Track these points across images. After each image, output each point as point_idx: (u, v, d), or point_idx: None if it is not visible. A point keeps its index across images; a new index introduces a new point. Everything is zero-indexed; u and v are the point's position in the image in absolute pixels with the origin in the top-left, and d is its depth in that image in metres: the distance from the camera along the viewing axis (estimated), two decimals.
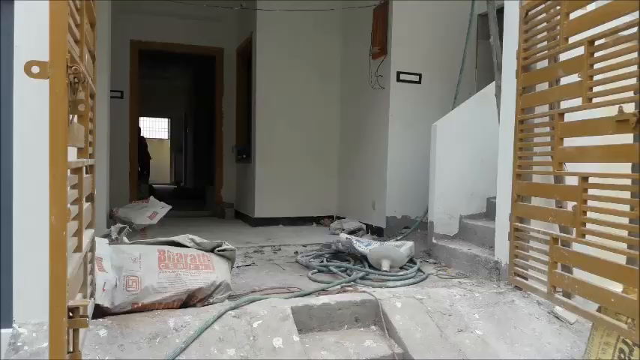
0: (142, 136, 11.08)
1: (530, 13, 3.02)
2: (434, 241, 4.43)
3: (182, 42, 7.41)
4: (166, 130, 18.43)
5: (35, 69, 1.33)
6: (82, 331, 1.69)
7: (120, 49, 6.62)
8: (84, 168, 1.98)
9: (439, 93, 5.47)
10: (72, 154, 1.90)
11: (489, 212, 4.37)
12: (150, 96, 11.81)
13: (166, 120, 17.83)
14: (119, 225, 3.77)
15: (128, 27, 6.83)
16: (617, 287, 2.35)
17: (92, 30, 2.23)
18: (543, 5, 2.91)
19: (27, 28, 1.87)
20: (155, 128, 18.45)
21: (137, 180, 7.69)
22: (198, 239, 3.02)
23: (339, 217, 6.47)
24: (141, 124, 10.47)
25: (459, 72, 5.32)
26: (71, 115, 1.51)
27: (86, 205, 2.15)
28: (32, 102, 1.78)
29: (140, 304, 2.61)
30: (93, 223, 2.47)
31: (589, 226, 2.51)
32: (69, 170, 1.55)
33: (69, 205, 1.60)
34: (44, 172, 1.45)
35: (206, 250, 2.97)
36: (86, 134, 2.01)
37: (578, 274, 2.67)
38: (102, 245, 2.76)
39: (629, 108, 2.23)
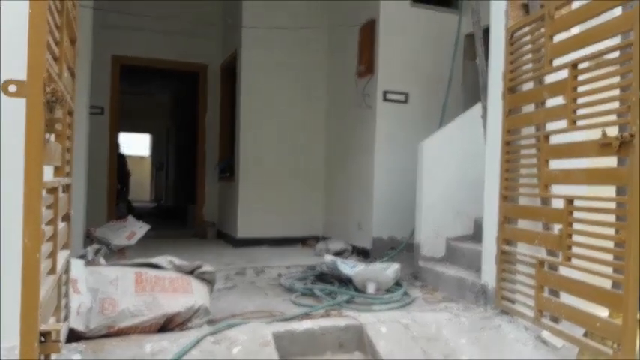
0: (121, 154, 11.03)
1: (515, 35, 3.11)
2: (420, 263, 4.46)
3: (165, 57, 7.44)
4: (147, 146, 18.36)
5: (12, 88, 1.34)
6: (54, 356, 1.68)
7: (101, 64, 6.61)
8: (60, 187, 1.98)
9: (426, 112, 5.55)
10: (48, 173, 1.90)
11: (477, 234, 4.41)
12: (131, 111, 11.79)
13: (147, 136, 17.76)
14: (96, 245, 3.76)
15: (110, 42, 6.84)
16: (603, 311, 2.39)
17: (72, 47, 2.25)
18: (528, 28, 2.99)
19: (5, 44, 1.88)
20: (136, 144, 18.36)
21: (116, 198, 7.64)
22: (177, 261, 3.01)
23: (324, 238, 6.47)
24: (121, 140, 10.45)
25: (446, 92, 5.42)
26: (48, 134, 1.53)
27: (62, 225, 2.15)
28: (8, 120, 1.79)
29: (116, 328, 2.59)
30: (68, 243, 2.46)
31: (575, 249, 2.56)
32: (44, 190, 1.56)
33: (43, 226, 1.60)
34: (19, 191, 1.45)
35: (185, 273, 2.97)
36: (63, 153, 2.02)
37: (565, 297, 2.71)
38: (77, 266, 2.75)
39: (613, 131, 2.30)
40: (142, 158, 18.30)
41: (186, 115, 10.31)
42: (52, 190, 1.83)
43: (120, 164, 9.12)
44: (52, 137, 1.75)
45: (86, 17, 4.72)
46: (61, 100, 1.57)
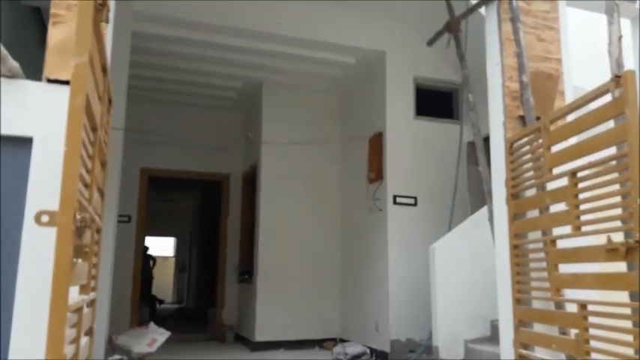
0: (149, 255, 11.02)
1: (514, 145, 3.15)
2: None
3: (190, 169, 7.67)
4: (171, 248, 18.37)
5: (45, 218, 1.37)
6: None
7: (129, 176, 6.78)
8: (84, 305, 1.96)
9: (435, 215, 5.54)
10: (73, 292, 1.89)
11: (494, 335, 4.21)
12: (156, 217, 11.95)
13: (172, 239, 17.85)
14: (116, 356, 3.63)
15: (139, 156, 7.06)
16: None
17: (102, 169, 2.32)
18: (526, 138, 3.04)
19: (39, 176, 1.96)
20: (160, 245, 18.39)
21: (139, 300, 7.50)
22: None
23: (342, 340, 6.22)
24: (148, 242, 10.50)
25: (453, 195, 5.44)
26: (75, 259, 1.53)
27: (84, 340, 2.09)
28: (38, 246, 1.82)
29: None
30: (89, 357, 2.38)
31: (594, 355, 2.41)
32: (69, 312, 1.53)
33: (66, 347, 1.56)
34: (44, 314, 1.43)
35: None
36: (89, 270, 2.01)
37: None
38: None
39: (619, 236, 2.24)
40: (166, 259, 18.24)
41: (208, 220, 10.41)
42: (77, 310, 1.80)
43: (145, 265, 9.08)
44: (80, 259, 1.75)
45: (117, 136, 4.93)
46: (90, 224, 1.59)
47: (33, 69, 2.33)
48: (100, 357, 4.07)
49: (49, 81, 2.23)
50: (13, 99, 2.10)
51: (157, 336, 4.56)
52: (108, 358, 3.62)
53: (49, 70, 2.24)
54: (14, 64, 2.09)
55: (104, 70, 2.20)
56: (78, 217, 1.41)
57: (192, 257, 14.24)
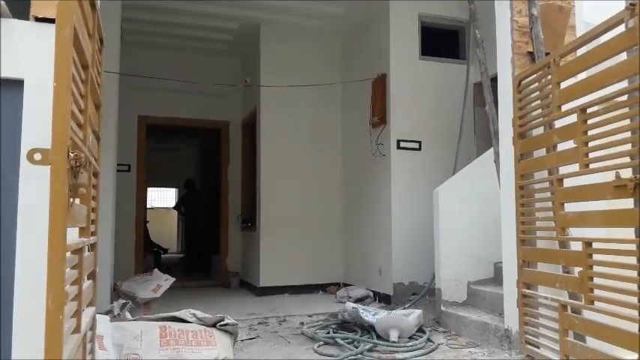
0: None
1: (522, 82, 3.10)
2: (442, 308, 4.33)
3: (189, 116, 7.60)
4: (173, 198, 18.50)
5: (37, 156, 1.36)
6: None
7: (127, 124, 6.75)
8: (85, 247, 1.98)
9: (439, 159, 5.53)
10: (73, 234, 1.90)
11: (497, 277, 4.29)
12: (157, 167, 11.95)
13: (173, 190, 17.94)
14: (121, 300, 3.72)
15: (136, 103, 6.99)
16: (632, 355, 2.26)
17: (97, 111, 2.29)
18: (535, 75, 2.99)
19: (30, 113, 1.93)
20: (163, 196, 18.54)
21: (143, 250, 7.64)
22: (200, 314, 2.97)
23: (345, 284, 6.36)
24: (148, 194, 10.55)
25: (458, 138, 5.40)
26: (72, 199, 1.53)
27: (87, 283, 2.13)
28: (33, 185, 1.82)
29: None
30: (94, 300, 2.43)
31: (597, 292, 2.46)
32: (68, 252, 1.55)
33: (68, 287, 1.59)
34: (43, 254, 1.45)
35: (208, 326, 2.92)
36: (88, 213, 2.02)
37: (591, 342, 2.58)
38: (103, 323, 2.72)
39: (627, 173, 2.23)
40: (168, 209, 18.40)
41: (209, 168, 10.42)
42: (77, 251, 1.82)
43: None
44: (77, 200, 1.75)
45: (112, 81, 4.87)
46: (85, 164, 1.58)
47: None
48: (105, 302, 4.18)
49: (37, 20, 2.15)
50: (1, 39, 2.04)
51: (161, 282, 4.64)
52: (113, 303, 3.71)
53: (36, 7, 2.16)
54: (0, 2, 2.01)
55: (93, 5, 2.13)
56: (71, 155, 1.40)
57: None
